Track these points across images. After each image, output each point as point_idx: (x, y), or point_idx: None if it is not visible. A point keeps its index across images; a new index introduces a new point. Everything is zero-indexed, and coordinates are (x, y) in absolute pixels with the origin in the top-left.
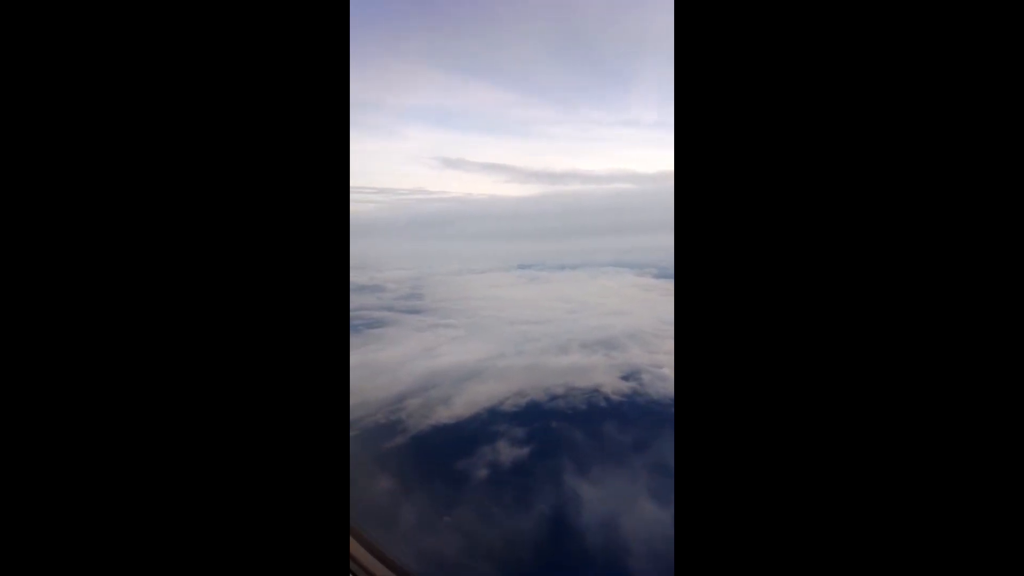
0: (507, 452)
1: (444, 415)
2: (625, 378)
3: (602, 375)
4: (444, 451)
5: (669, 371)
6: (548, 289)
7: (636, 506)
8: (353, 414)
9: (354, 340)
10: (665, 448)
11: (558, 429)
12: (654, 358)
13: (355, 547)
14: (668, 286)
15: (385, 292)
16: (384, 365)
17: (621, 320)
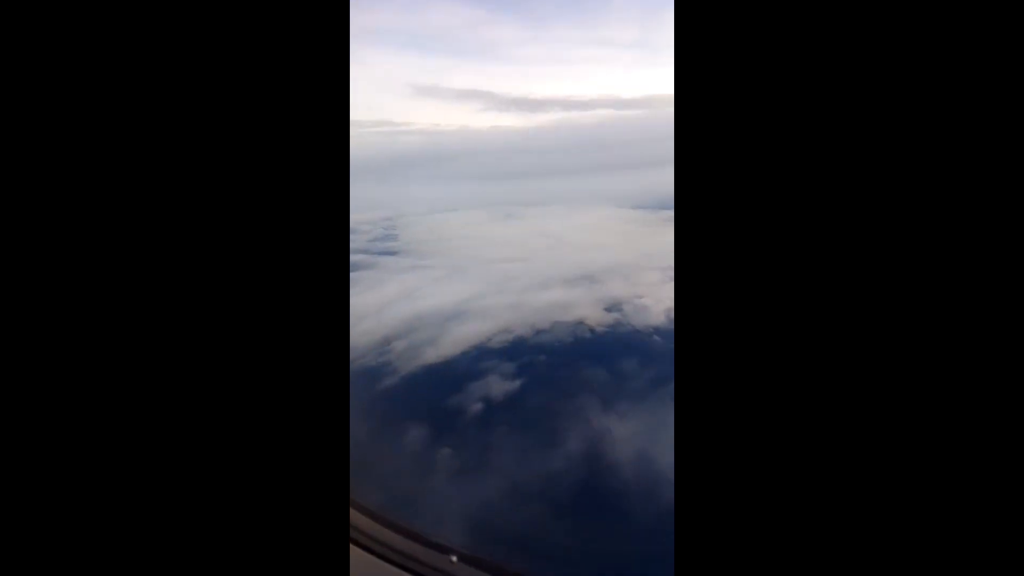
0: (498, 386)
1: (432, 355)
2: (608, 310)
3: (585, 308)
4: (436, 389)
5: (650, 301)
6: (526, 226)
7: (627, 427)
8: None
9: None
10: (649, 374)
11: (547, 363)
12: (635, 289)
13: (355, 515)
14: (648, 217)
15: (357, 234)
16: (367, 309)
17: (602, 254)
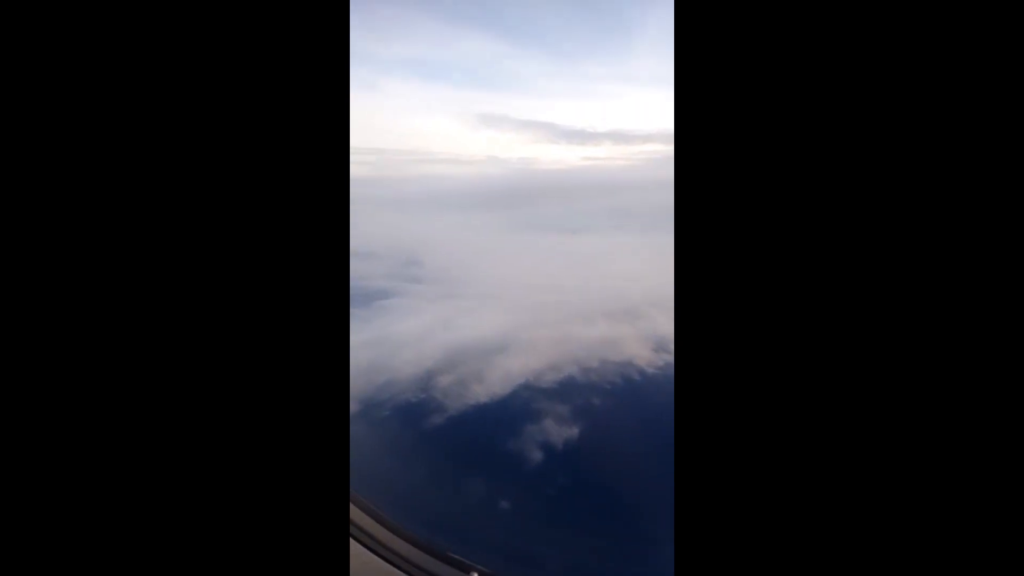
0: (556, 432)
1: (481, 393)
2: (656, 350)
3: (633, 346)
4: (490, 432)
5: None
6: (554, 253)
7: None
8: (384, 391)
9: (364, 312)
10: None
11: (602, 408)
12: None
13: (355, 512)
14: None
15: (381, 259)
16: (405, 338)
17: (638, 285)
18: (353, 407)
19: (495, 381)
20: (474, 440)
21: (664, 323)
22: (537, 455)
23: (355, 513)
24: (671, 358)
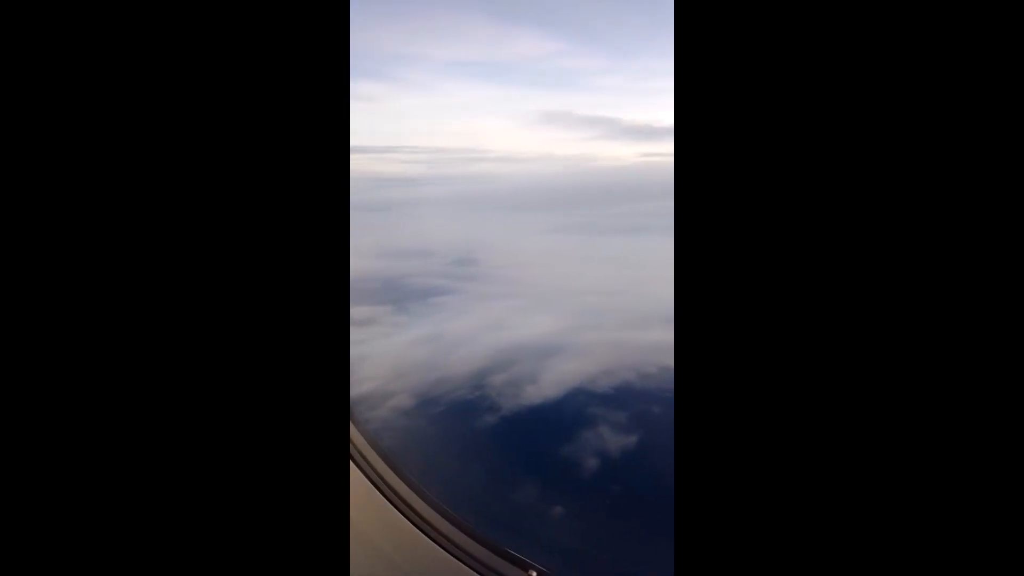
0: (613, 440)
1: (535, 394)
2: None
3: None
4: (545, 435)
5: None
6: (607, 254)
7: None
8: (439, 387)
9: (419, 308)
10: None
11: (661, 416)
12: None
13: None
14: None
15: (434, 257)
16: (459, 337)
17: None
18: (408, 402)
19: (549, 383)
20: (528, 442)
21: None
22: (592, 462)
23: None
24: None
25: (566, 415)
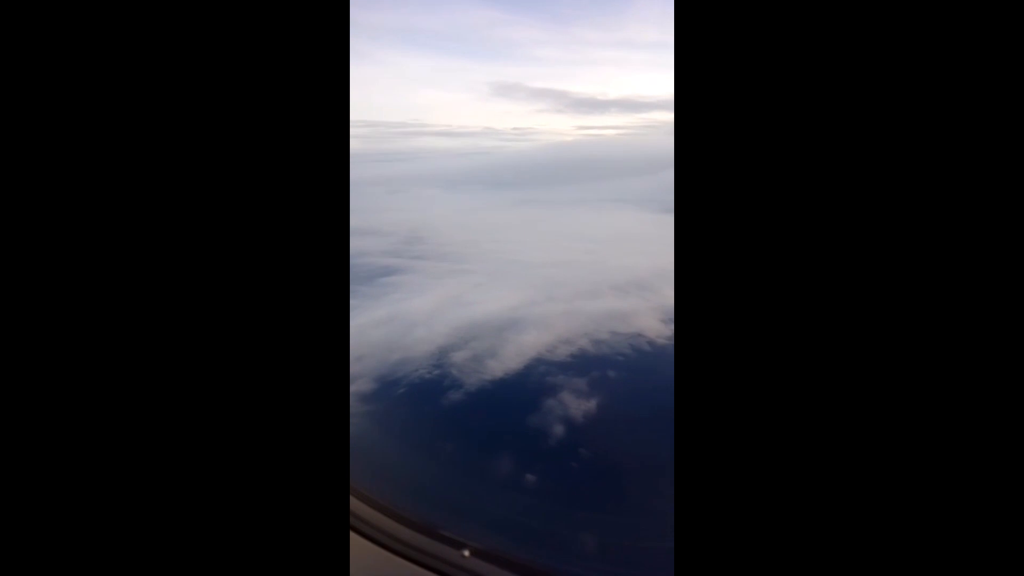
0: (575, 405)
1: (497, 368)
2: (666, 321)
3: (643, 319)
4: (510, 407)
5: None
6: (556, 228)
7: None
8: (399, 369)
9: (371, 290)
10: None
11: (617, 379)
12: None
13: (355, 503)
14: None
15: (384, 236)
16: (417, 316)
17: (645, 259)
18: (369, 385)
19: (509, 356)
20: (493, 416)
21: (672, 295)
22: (559, 429)
23: (353, 503)
24: None
25: (529, 386)
